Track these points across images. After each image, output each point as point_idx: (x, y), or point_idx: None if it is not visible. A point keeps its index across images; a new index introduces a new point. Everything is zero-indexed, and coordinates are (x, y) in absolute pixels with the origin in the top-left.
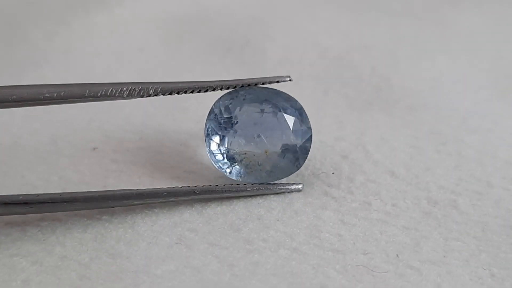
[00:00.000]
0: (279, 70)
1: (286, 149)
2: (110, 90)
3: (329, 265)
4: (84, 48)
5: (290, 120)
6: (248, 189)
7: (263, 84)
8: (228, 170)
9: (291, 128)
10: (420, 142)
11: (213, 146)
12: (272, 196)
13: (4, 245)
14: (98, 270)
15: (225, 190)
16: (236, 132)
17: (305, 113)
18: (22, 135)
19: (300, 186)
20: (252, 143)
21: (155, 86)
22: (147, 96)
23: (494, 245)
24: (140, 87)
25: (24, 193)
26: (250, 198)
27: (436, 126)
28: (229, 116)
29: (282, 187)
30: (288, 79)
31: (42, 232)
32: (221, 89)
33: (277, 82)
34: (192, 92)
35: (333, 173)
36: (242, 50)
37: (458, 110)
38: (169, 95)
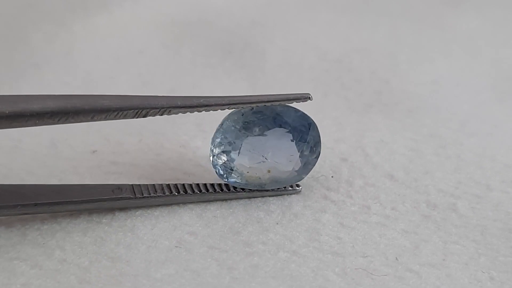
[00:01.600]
0: (278, 73)
1: (291, 169)
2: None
3: (328, 268)
4: (84, 50)
5: (299, 146)
6: (247, 190)
7: (280, 102)
8: (226, 180)
9: (298, 154)
10: (419, 145)
11: (217, 160)
12: (271, 199)
13: (4, 248)
14: (97, 273)
15: (225, 191)
16: (241, 152)
17: (316, 128)
18: (22, 138)
19: (299, 189)
20: (256, 164)
21: (162, 103)
22: (159, 115)
23: (494, 249)
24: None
25: (22, 203)
26: (249, 201)
27: (436, 129)
28: (238, 134)
29: (281, 190)
30: (309, 98)
31: (42, 235)
32: (236, 108)
33: (296, 101)
34: (206, 109)
35: (332, 177)
36: (242, 53)
37: (458, 113)
38: (181, 113)
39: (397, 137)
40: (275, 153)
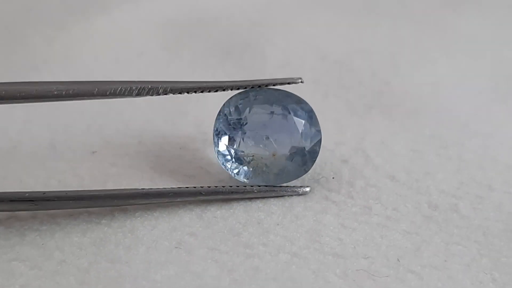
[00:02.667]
0: (279, 74)
1: (294, 152)
2: (120, 88)
3: (329, 270)
4: (83, 52)
5: (299, 123)
6: (255, 190)
7: (274, 85)
8: (235, 171)
9: (300, 131)
10: (420, 146)
11: (222, 147)
12: (272, 200)
13: (3, 249)
14: (97, 275)
15: (232, 192)
16: (245, 133)
17: (315, 116)
18: (21, 139)
19: (307, 189)
20: (260, 145)
21: (165, 85)
22: (156, 95)
23: (496, 250)
24: (150, 86)
25: (30, 191)
26: (249, 202)
27: (437, 130)
28: (239, 117)
29: (289, 190)
30: (300, 81)
31: (41, 236)
32: (231, 90)
33: (288, 83)
34: (202, 91)
35: (333, 178)
36: (242, 54)
37: (459, 114)
38: (179, 94)
39: (398, 138)
40: (276, 131)
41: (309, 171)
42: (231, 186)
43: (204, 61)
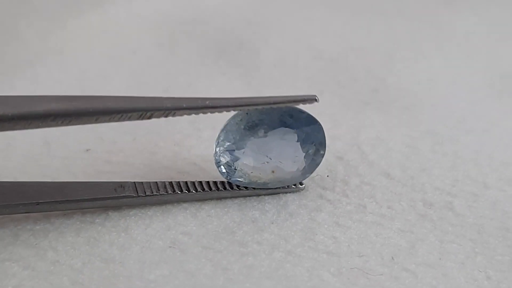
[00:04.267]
0: (274, 72)
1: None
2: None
3: (323, 268)
4: (78, 48)
5: (304, 147)
6: (250, 189)
7: (288, 103)
8: (229, 178)
9: (303, 155)
10: (416, 142)
11: (221, 159)
12: (266, 198)
13: None
14: (90, 275)
15: (226, 188)
16: (246, 153)
17: (322, 131)
18: (15, 136)
19: (302, 186)
20: (260, 165)
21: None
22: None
23: (490, 248)
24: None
25: (24, 202)
26: (244, 200)
27: (432, 126)
28: (241, 134)
29: (284, 187)
30: (315, 100)
31: (35, 236)
32: (242, 108)
33: (303, 103)
34: (212, 111)
35: (327, 176)
36: (237, 52)
37: (454, 111)
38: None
39: (393, 134)
40: (279, 154)
41: None
42: (222, 183)
43: (198, 59)
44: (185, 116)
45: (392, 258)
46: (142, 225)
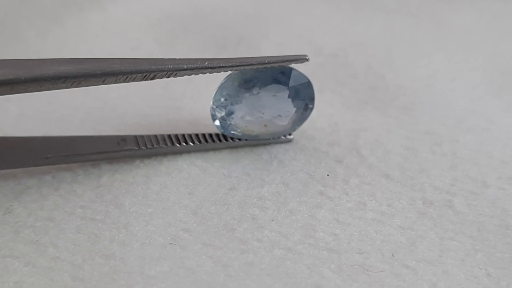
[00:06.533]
0: None
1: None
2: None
3: (324, 265)
4: (77, 46)
5: (295, 103)
6: (243, 140)
7: (281, 63)
8: (223, 131)
9: (294, 110)
10: (415, 143)
11: (216, 114)
12: (266, 194)
13: None
14: (91, 271)
15: (223, 141)
16: (240, 108)
17: (312, 88)
18: (15, 133)
19: (291, 137)
20: (254, 119)
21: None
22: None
23: (490, 245)
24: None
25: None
26: (244, 197)
27: (431, 126)
28: (236, 91)
29: (275, 139)
30: (306, 59)
31: (35, 232)
32: (239, 68)
33: (295, 63)
34: (210, 71)
35: (328, 175)
36: (236, 48)
37: (454, 109)
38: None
39: (392, 135)
40: (272, 110)
41: (304, 168)
42: (220, 135)
43: (198, 55)
44: (186, 115)
45: (393, 255)
46: (142, 221)
